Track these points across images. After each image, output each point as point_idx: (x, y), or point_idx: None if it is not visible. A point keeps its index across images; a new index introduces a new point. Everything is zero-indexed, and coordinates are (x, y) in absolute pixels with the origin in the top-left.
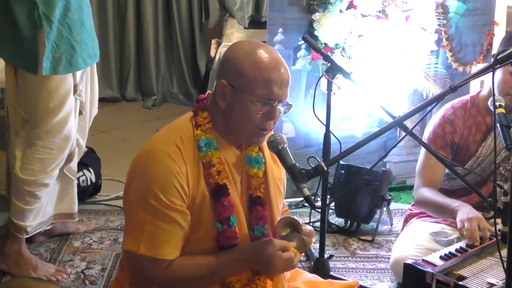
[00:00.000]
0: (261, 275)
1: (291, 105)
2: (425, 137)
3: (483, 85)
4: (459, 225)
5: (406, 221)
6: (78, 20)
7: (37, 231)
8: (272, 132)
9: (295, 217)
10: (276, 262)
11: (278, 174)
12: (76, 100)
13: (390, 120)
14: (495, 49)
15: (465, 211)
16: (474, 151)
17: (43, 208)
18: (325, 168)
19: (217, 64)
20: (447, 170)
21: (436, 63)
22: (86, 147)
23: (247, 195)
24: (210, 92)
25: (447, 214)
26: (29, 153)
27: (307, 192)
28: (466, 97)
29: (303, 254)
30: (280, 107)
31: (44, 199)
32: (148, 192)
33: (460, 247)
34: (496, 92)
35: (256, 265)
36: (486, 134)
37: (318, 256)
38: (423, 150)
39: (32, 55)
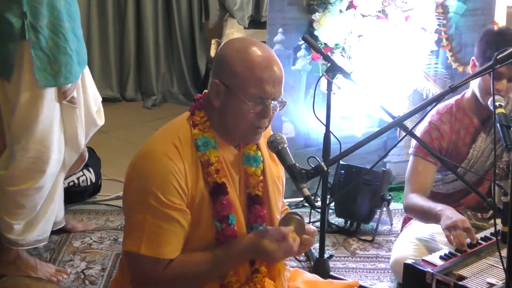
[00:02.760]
0: (259, 274)
1: (286, 102)
2: (413, 144)
3: None
4: (446, 233)
5: (405, 221)
6: (70, 29)
7: (37, 245)
8: (271, 132)
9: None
10: (274, 252)
11: (276, 173)
12: (70, 107)
13: (390, 120)
14: None
15: (448, 215)
16: (465, 153)
17: (38, 223)
18: (325, 168)
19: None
20: (439, 175)
21: (436, 63)
22: (86, 147)
23: (245, 194)
24: (206, 91)
25: (431, 219)
26: (12, 163)
27: (307, 192)
28: (451, 101)
29: (303, 254)
30: (275, 105)
31: (30, 212)
32: (147, 192)
33: None
34: (478, 94)
35: (255, 255)
36: (475, 136)
37: (318, 256)
38: (412, 157)
39: (9, 64)
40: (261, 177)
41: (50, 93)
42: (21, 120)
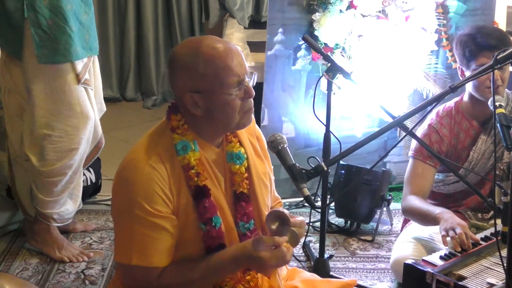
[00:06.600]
0: (252, 272)
1: (255, 72)
2: (412, 147)
3: None
4: (442, 233)
5: (405, 222)
6: (71, 11)
7: (66, 223)
8: (254, 123)
9: (284, 210)
10: (268, 261)
11: (262, 169)
12: (87, 89)
13: (390, 120)
14: None
15: (448, 219)
16: (465, 156)
17: (69, 201)
18: (325, 168)
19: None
20: (440, 176)
21: (436, 63)
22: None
23: (231, 192)
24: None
25: (429, 221)
26: (43, 144)
27: (307, 192)
28: (451, 103)
29: (300, 251)
30: (250, 80)
31: (62, 190)
32: (133, 203)
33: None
34: (474, 92)
35: (249, 264)
36: (475, 138)
37: (318, 256)
38: (411, 159)
39: (19, 43)
40: (246, 174)
41: (63, 72)
42: (45, 98)
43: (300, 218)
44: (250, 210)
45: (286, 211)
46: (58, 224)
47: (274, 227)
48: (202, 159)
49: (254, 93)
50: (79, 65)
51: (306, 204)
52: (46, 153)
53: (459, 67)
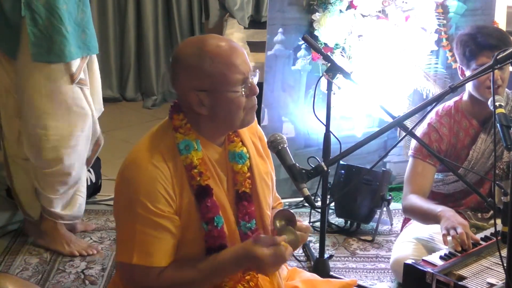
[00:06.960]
0: (251, 271)
1: (257, 69)
2: (412, 146)
3: None
4: (443, 232)
5: (405, 222)
6: (67, 11)
7: (74, 221)
8: (257, 124)
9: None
10: (265, 259)
11: (264, 168)
12: (83, 89)
13: (390, 120)
14: None
15: (449, 217)
16: (464, 155)
17: (76, 199)
18: (325, 168)
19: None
20: (440, 176)
21: (436, 63)
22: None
23: (234, 192)
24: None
25: (431, 220)
26: (41, 145)
27: (307, 192)
28: (450, 102)
29: (300, 251)
30: (254, 78)
31: (68, 188)
32: (135, 202)
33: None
34: (474, 92)
35: (247, 264)
36: (475, 137)
37: (318, 256)
38: (411, 159)
39: (15, 42)
40: (248, 174)
41: (57, 72)
42: (39, 98)
43: (306, 223)
44: (252, 209)
45: (293, 212)
46: (66, 222)
47: (279, 225)
48: (205, 159)
49: (258, 90)
50: (74, 65)
51: (306, 204)
52: (45, 154)
53: (459, 66)
